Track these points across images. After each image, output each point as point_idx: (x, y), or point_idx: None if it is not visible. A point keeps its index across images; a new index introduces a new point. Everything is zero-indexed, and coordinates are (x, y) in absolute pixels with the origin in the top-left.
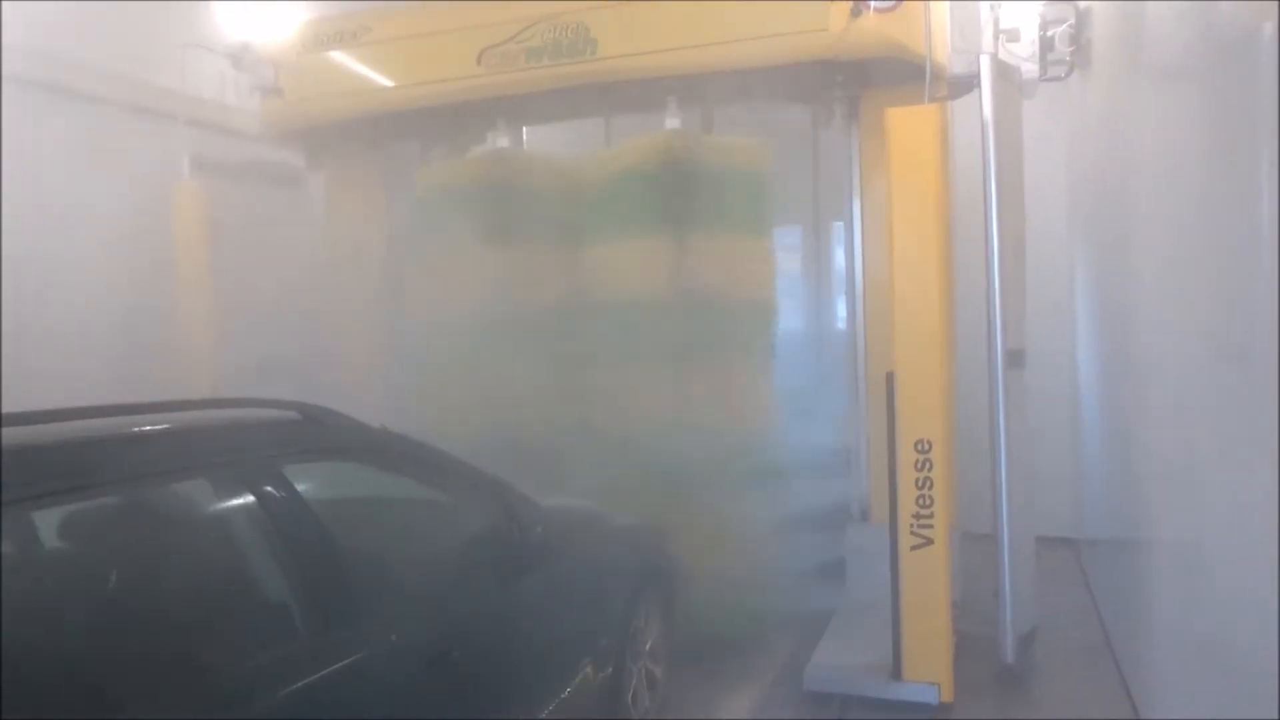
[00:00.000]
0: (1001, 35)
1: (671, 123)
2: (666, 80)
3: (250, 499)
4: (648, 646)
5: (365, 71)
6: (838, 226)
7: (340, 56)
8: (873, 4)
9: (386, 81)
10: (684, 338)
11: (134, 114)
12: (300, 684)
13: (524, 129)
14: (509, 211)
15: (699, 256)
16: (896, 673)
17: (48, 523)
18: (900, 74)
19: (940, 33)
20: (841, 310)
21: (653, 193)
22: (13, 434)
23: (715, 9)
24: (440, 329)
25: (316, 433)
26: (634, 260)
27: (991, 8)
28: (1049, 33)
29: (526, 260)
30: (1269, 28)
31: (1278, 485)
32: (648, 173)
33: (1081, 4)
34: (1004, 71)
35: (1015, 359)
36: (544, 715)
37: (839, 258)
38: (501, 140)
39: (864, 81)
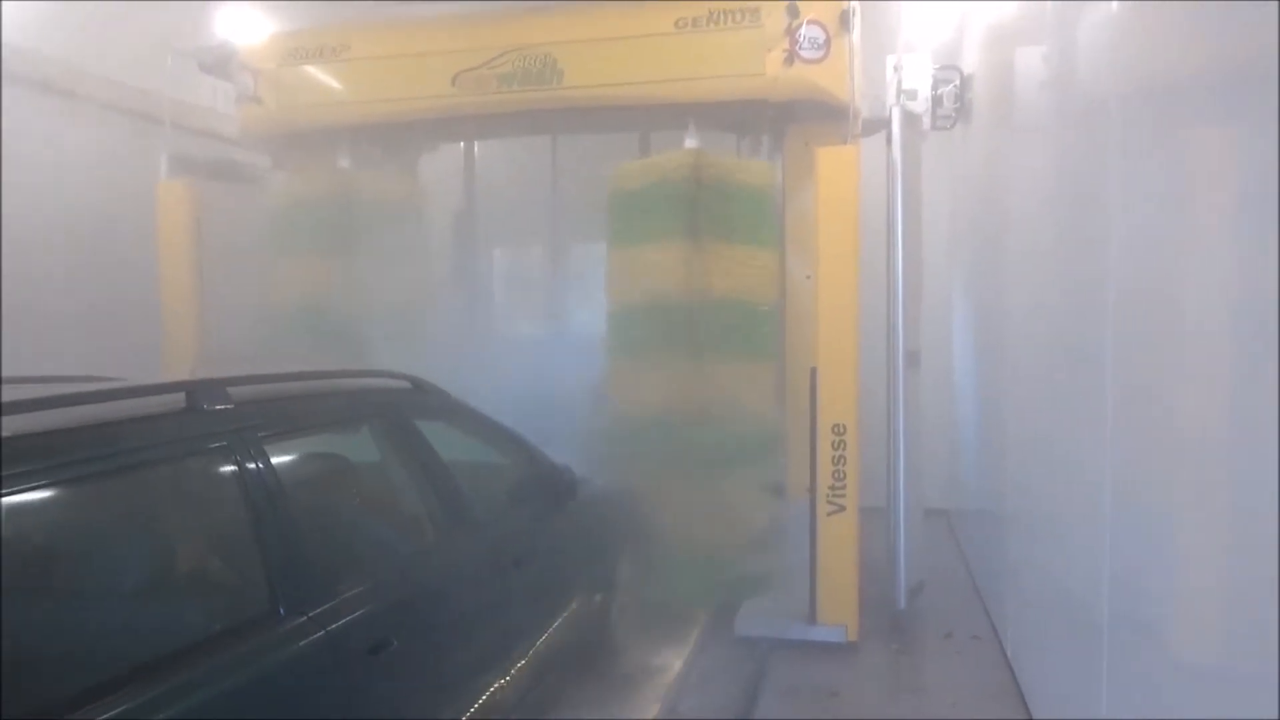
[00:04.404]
0: (903, 94)
1: (690, 143)
2: (623, 108)
3: (398, 442)
4: (623, 584)
5: (346, 86)
6: None
7: (321, 70)
8: (802, 55)
9: (367, 96)
10: (701, 335)
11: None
12: (431, 572)
13: (476, 145)
14: (345, 221)
15: (716, 262)
16: (812, 617)
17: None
18: (819, 114)
19: (856, 83)
20: None
21: (678, 203)
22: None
23: (668, 50)
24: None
25: (425, 397)
26: (657, 263)
27: (895, 68)
28: (938, 91)
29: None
30: (1115, 101)
31: (1114, 466)
32: (675, 185)
33: (965, 70)
34: (910, 120)
35: (912, 359)
36: (566, 614)
37: None
38: (344, 161)
39: (789, 118)
